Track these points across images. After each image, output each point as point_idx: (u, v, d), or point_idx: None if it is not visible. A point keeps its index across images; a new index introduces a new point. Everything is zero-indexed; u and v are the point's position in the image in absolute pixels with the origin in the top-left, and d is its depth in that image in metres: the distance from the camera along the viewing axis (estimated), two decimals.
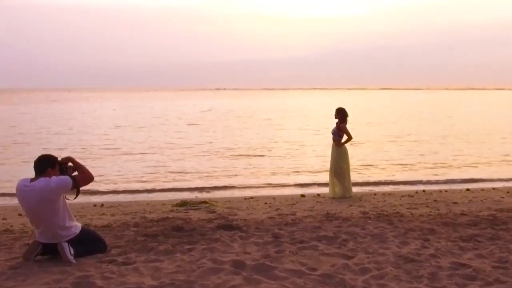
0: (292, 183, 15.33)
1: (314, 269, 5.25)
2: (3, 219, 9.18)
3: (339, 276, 5.04)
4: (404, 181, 15.36)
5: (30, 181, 5.52)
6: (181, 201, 10.57)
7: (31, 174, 5.63)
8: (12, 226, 8.05)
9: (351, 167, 11.43)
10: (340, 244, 6.24)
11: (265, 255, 5.77)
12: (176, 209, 9.63)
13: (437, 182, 15.14)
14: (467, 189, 12.64)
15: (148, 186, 15.01)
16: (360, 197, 11.16)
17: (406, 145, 24.23)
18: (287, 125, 36.78)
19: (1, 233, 7.29)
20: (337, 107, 11.39)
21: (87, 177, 5.80)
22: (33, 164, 5.64)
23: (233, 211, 9.09)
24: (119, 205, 11.12)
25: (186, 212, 9.09)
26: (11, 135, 29.91)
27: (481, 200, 10.21)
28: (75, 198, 5.75)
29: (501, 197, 10.70)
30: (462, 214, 8.19)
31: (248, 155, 21.21)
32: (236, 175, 16.78)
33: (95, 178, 6.11)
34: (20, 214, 9.31)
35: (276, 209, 9.39)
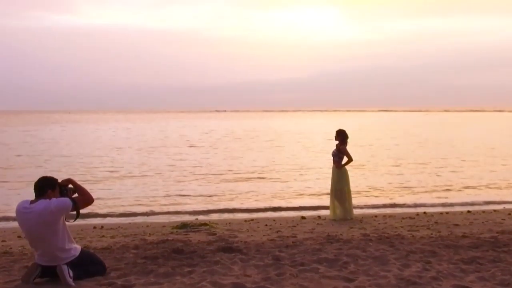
0: (292, 205, 15.27)
1: None
2: (2, 241, 9.14)
3: None
4: (405, 203, 15.32)
5: (30, 203, 5.51)
6: (181, 223, 10.53)
7: (31, 196, 5.62)
8: (11, 248, 8.01)
9: (351, 189, 11.41)
10: (341, 267, 6.20)
11: (265, 277, 5.73)
12: (176, 231, 9.59)
13: (438, 204, 15.09)
14: (468, 211, 12.60)
15: (148, 208, 14.94)
16: (361, 219, 11.12)
17: (407, 167, 24.20)
18: (287, 147, 36.80)
19: (0, 255, 7.25)
20: (337, 129, 11.43)
21: (87, 199, 5.79)
22: (33, 186, 5.64)
23: (233, 233, 9.05)
24: (119, 227, 11.07)
25: (186, 234, 9.05)
26: (10, 156, 29.91)
27: (483, 222, 10.17)
28: (75, 220, 5.74)
29: (503, 219, 10.66)
30: (463, 236, 8.15)
31: (249, 178, 21.18)
32: (237, 197, 16.74)
33: (95, 200, 6.09)
34: (19, 236, 9.27)
35: (277, 231, 9.35)
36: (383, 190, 17.75)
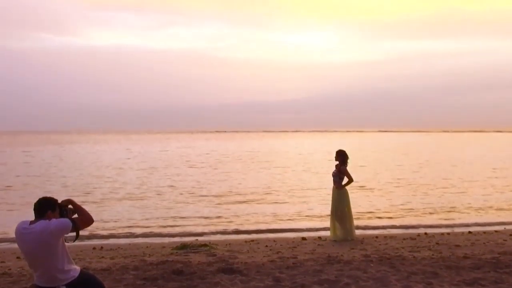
0: (293, 226, 15.21)
1: None
2: (1, 262, 9.08)
3: None
4: (406, 224, 15.25)
5: (30, 224, 5.48)
6: (181, 244, 10.49)
7: (31, 217, 5.60)
8: (10, 269, 7.96)
9: (352, 210, 11.37)
10: None
11: None
12: (176, 252, 9.54)
13: (439, 225, 15.02)
14: (469, 232, 12.55)
15: (148, 229, 14.88)
16: (362, 239, 11.07)
17: (407, 188, 24.16)
18: (287, 168, 36.75)
19: None
20: (337, 149, 11.44)
21: (87, 220, 5.76)
22: (33, 207, 5.62)
23: (233, 254, 9.01)
24: (119, 248, 11.02)
25: (186, 255, 9.00)
26: (10, 177, 29.87)
27: (484, 243, 10.12)
28: (74, 240, 5.71)
29: (504, 240, 10.61)
30: (465, 257, 8.11)
31: (249, 198, 21.12)
32: (237, 218, 16.68)
33: (95, 221, 6.07)
34: (18, 257, 9.22)
35: (277, 252, 9.31)
36: (384, 211, 17.69)
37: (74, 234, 5.62)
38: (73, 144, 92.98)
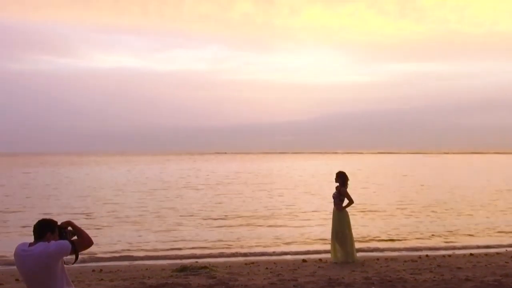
0: (293, 247, 15.13)
1: None
2: (0, 284, 9.02)
3: None
4: (407, 246, 15.17)
5: (29, 246, 5.46)
6: (180, 266, 10.42)
7: (31, 238, 5.58)
8: None
9: (352, 231, 11.32)
10: None
11: None
12: (176, 275, 9.47)
13: (440, 247, 14.94)
14: (471, 254, 12.47)
15: (148, 251, 14.80)
16: (363, 262, 11.01)
17: (408, 210, 24.09)
18: (287, 190, 36.68)
19: None
20: (337, 171, 11.44)
21: (87, 242, 5.74)
22: (32, 229, 5.60)
23: (233, 277, 8.95)
24: (118, 270, 10.94)
25: (186, 278, 8.94)
26: (9, 199, 29.81)
27: (486, 265, 10.06)
28: (74, 263, 5.67)
29: (506, 262, 10.55)
30: (466, 280, 8.05)
31: (249, 220, 21.05)
32: (237, 239, 16.59)
33: (94, 243, 6.04)
34: (17, 279, 9.16)
35: (278, 275, 9.24)
36: (384, 233, 17.60)
37: (73, 256, 5.60)
38: (73, 165, 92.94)
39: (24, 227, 18.29)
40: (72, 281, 5.85)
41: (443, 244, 15.55)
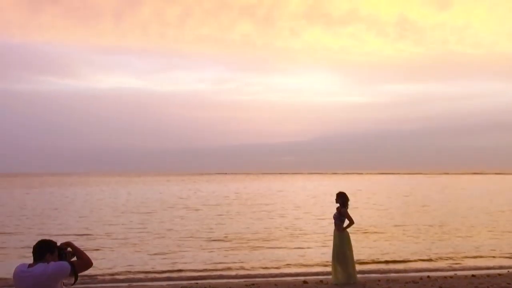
0: (294, 269, 15.04)
1: None
2: None
3: None
4: (409, 268, 15.09)
5: (28, 267, 5.43)
6: (181, 287, 10.34)
7: (30, 260, 5.55)
8: None
9: (354, 253, 11.26)
10: None
11: None
12: None
13: (442, 269, 14.85)
14: (473, 275, 12.39)
15: (148, 273, 14.71)
16: (364, 283, 10.94)
17: (409, 231, 23.98)
18: (288, 210, 36.55)
19: None
20: (337, 191, 11.42)
21: (86, 263, 5.71)
22: (31, 250, 5.57)
23: None
24: None
25: None
26: (9, 219, 29.71)
27: (487, 287, 10.00)
28: (73, 284, 5.64)
29: (508, 283, 10.48)
30: None
31: (249, 241, 20.95)
32: (237, 261, 16.50)
33: (94, 265, 6.01)
34: None
35: None
36: (386, 254, 17.50)
37: (73, 277, 5.57)
38: (73, 186, 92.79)
39: (24, 248, 18.21)
40: None
41: (445, 265, 15.46)
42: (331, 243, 11.34)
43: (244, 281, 12.81)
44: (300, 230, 24.57)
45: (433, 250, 18.21)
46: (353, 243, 11.20)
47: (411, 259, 16.60)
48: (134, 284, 13.04)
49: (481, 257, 17.08)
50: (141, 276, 14.25)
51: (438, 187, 78.89)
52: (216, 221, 29.35)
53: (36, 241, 5.66)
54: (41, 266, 5.38)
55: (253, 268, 15.40)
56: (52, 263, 5.43)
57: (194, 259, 16.87)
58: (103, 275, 14.18)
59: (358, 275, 11.59)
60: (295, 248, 19.11)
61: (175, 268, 15.38)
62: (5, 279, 12.88)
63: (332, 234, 11.27)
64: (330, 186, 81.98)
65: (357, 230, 21.06)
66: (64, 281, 5.56)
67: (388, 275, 13.68)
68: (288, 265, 15.82)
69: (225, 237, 22.22)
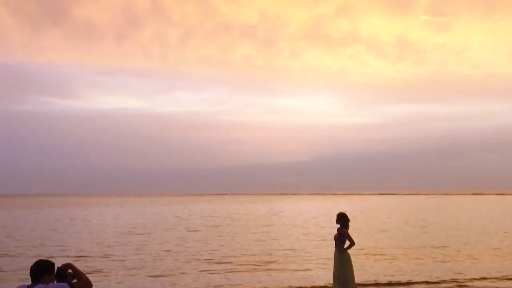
0: None
1: None
2: None
3: None
4: None
5: None
6: None
7: (28, 281, 5.52)
8: None
9: (355, 274, 11.19)
10: None
11: None
12: None
13: None
14: None
15: None
16: None
17: (411, 253, 23.84)
18: (288, 231, 36.38)
19: None
20: (338, 212, 11.39)
21: (86, 285, 5.68)
22: (29, 270, 5.53)
23: None
24: None
25: None
26: (8, 240, 29.56)
27: None
28: None
29: None
30: None
31: (250, 264, 20.81)
32: (237, 283, 16.38)
33: (94, 287, 5.97)
34: None
35: None
36: (388, 276, 17.38)
37: None
38: (74, 207, 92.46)
39: (23, 269, 18.08)
40: None
41: (448, 286, 15.32)
42: (332, 264, 11.26)
43: None
44: (301, 251, 24.41)
45: (436, 273, 18.07)
46: (354, 264, 11.13)
47: (413, 281, 16.46)
48: None
49: (484, 278, 16.95)
50: None
51: (440, 208, 78.64)
52: (216, 242, 29.18)
53: (34, 262, 5.63)
54: (40, 287, 5.35)
55: None
56: (51, 284, 5.40)
57: (194, 282, 16.74)
58: None
59: None
60: (296, 270, 18.96)
61: None
62: None
63: (333, 255, 11.20)
64: (331, 206, 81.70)
65: (358, 251, 20.93)
66: None
67: None
68: (290, 287, 15.70)
69: (226, 259, 22.07)
